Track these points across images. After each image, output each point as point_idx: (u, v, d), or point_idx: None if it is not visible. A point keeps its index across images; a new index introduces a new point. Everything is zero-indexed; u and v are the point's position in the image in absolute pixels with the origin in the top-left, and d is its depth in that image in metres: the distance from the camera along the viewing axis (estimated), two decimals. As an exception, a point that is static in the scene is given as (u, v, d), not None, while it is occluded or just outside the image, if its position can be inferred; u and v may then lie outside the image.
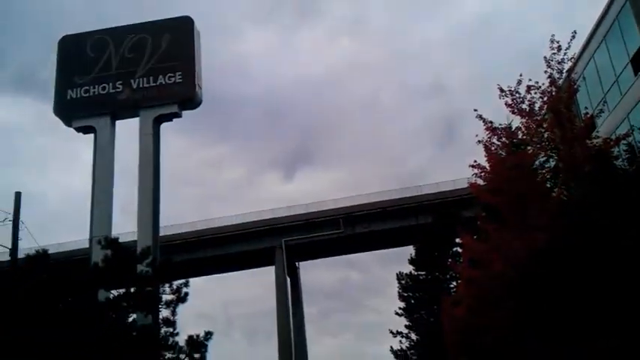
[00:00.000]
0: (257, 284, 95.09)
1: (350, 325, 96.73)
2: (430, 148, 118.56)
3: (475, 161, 21.40)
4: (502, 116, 21.21)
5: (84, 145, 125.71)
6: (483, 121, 21.13)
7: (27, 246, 23.90)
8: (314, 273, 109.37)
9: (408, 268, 36.23)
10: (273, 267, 49.73)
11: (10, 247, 23.02)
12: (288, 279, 50.44)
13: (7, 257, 23.66)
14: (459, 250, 33.09)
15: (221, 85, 33.22)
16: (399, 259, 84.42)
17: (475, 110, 21.32)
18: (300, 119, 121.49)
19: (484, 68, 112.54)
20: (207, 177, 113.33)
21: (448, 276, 33.79)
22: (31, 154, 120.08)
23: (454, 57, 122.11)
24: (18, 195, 23.93)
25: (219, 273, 54.57)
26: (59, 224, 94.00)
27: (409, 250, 38.67)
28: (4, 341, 17.85)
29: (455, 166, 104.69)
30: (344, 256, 60.47)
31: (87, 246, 41.15)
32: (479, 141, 21.10)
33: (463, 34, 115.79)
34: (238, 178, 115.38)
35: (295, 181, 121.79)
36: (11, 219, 23.34)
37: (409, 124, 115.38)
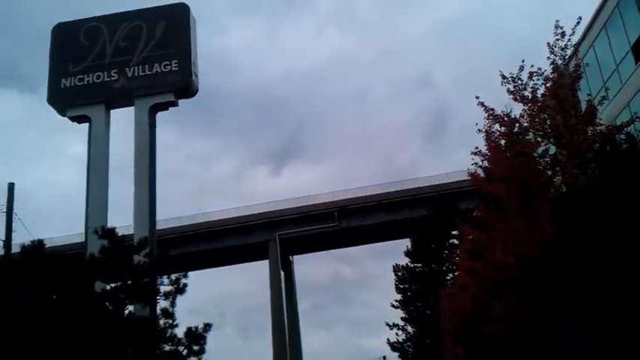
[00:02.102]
0: (250, 279, 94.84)
1: (342, 318, 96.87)
2: (419, 142, 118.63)
3: (476, 147, 21.22)
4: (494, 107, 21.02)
5: (70, 138, 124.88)
6: (485, 109, 20.92)
7: (20, 238, 23.50)
8: (306, 267, 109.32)
9: (403, 261, 36.18)
10: (267, 261, 49.44)
11: (3, 238, 22.76)
12: (282, 273, 50.17)
13: (0, 250, 23.28)
14: (456, 241, 33.12)
15: (208, 77, 33.36)
16: (391, 252, 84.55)
17: (477, 97, 21.13)
18: (288, 113, 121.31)
19: (472, 61, 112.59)
20: (196, 170, 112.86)
21: (445, 268, 33.74)
22: (17, 149, 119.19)
23: (442, 50, 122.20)
24: (11, 186, 23.69)
25: (213, 267, 54.19)
26: (47, 220, 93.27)
27: (403, 244, 38.70)
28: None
29: (444, 159, 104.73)
30: (335, 250, 60.13)
31: (78, 241, 40.88)
32: (479, 129, 20.91)
33: (451, 27, 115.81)
34: (227, 172, 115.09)
35: (284, 175, 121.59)
36: (4, 211, 23.06)
37: (398, 118, 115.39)
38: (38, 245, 20.15)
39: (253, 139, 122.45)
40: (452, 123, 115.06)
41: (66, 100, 31.09)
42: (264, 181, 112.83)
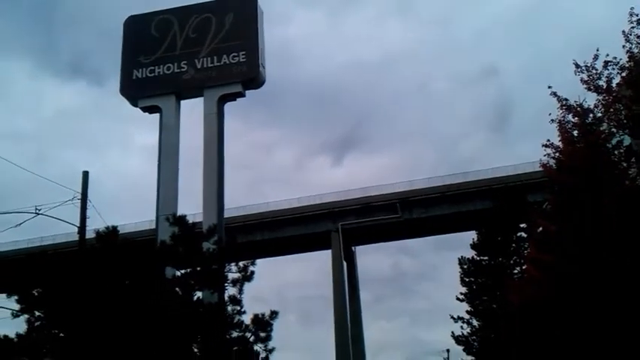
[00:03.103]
0: (312, 268, 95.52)
1: (404, 310, 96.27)
2: (482, 133, 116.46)
3: (548, 140, 20.72)
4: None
5: (138, 128, 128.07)
6: (557, 99, 20.37)
7: (94, 225, 24.22)
8: (367, 258, 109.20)
9: (467, 254, 35.68)
10: (330, 251, 49.64)
11: (78, 225, 23.45)
12: (345, 263, 50.26)
13: (76, 236, 23.99)
14: (524, 234, 32.47)
15: (271, 67, 33.58)
16: (454, 244, 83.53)
17: (549, 87, 20.52)
18: (349, 104, 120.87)
19: (538, 52, 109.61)
20: (258, 160, 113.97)
21: (512, 261, 33.15)
22: (87, 138, 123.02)
23: (506, 41, 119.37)
24: (85, 174, 24.26)
25: (276, 256, 54.76)
26: (116, 207, 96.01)
27: (466, 236, 38.15)
28: (74, 318, 18.23)
29: (508, 151, 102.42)
30: (397, 242, 59.79)
31: (147, 228, 42.05)
32: (552, 120, 20.41)
33: (517, 16, 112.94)
34: (288, 161, 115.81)
35: (345, 166, 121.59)
36: (79, 198, 23.72)
37: (460, 110, 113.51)
38: (112, 232, 20.81)
39: (315, 129, 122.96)
40: (516, 114, 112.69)
41: (138, 91, 31.92)
42: (325, 171, 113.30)
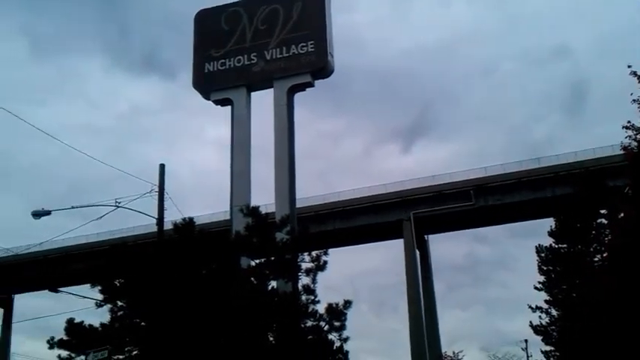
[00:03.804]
0: (384, 257, 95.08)
1: (478, 299, 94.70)
2: (556, 116, 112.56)
3: (629, 122, 19.82)
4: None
5: (210, 121, 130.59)
6: (638, 78, 19.44)
7: (170, 217, 24.76)
8: (440, 246, 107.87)
9: (545, 241, 34.69)
10: (402, 240, 49.25)
11: (156, 217, 24.05)
12: (418, 252, 49.78)
13: (154, 228, 24.58)
14: (604, 221, 31.27)
15: (337, 55, 33.41)
16: (531, 232, 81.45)
17: (629, 67, 19.59)
18: (416, 89, 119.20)
19: (609, 30, 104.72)
20: (325, 149, 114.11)
21: (592, 248, 32.00)
22: (161, 131, 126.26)
23: (576, 19, 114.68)
24: (162, 167, 24.85)
25: (347, 245, 54.57)
26: (191, 198, 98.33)
27: (543, 223, 37.04)
28: (154, 307, 18.73)
29: (585, 133, 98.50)
30: (471, 230, 58.56)
31: (221, 219, 42.81)
32: (634, 100, 19.48)
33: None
34: (356, 150, 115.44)
35: (414, 153, 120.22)
36: (156, 190, 24.31)
37: (532, 91, 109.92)
38: (189, 223, 21.28)
39: (382, 116, 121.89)
40: (591, 95, 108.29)
41: (210, 84, 32.48)
42: (394, 159, 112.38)
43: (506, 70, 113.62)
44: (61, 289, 25.62)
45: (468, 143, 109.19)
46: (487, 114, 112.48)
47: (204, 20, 33.87)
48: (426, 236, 52.68)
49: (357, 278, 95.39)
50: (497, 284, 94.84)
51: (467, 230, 57.47)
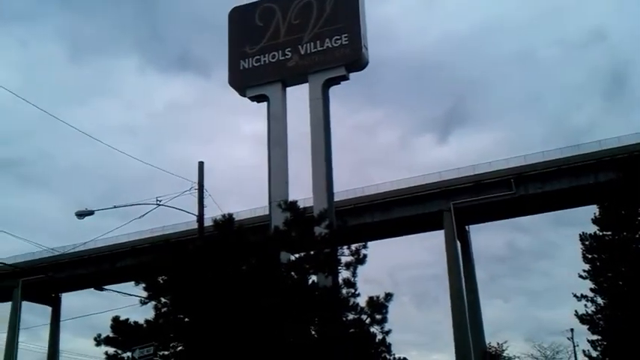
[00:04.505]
0: (424, 249, 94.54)
1: (520, 289, 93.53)
2: (596, 102, 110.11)
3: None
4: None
5: (244, 117, 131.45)
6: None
7: (210, 213, 25.00)
8: (480, 236, 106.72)
9: (588, 229, 34.05)
10: (441, 231, 48.87)
11: (196, 214, 24.30)
12: (459, 243, 49.34)
13: (195, 225, 24.84)
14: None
15: (370, 48, 33.09)
16: (572, 220, 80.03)
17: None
18: (451, 78, 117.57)
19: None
20: (361, 142, 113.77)
21: (638, 235, 31.32)
22: (197, 129, 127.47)
23: (614, 5, 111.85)
24: (201, 165, 25.04)
25: (386, 237, 54.41)
26: (229, 194, 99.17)
27: (586, 210, 36.34)
28: (197, 303, 18.96)
29: (626, 119, 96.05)
30: (511, 219, 57.74)
31: (260, 214, 43.11)
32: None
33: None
34: (392, 142, 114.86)
35: (451, 143, 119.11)
36: (196, 188, 24.56)
37: (570, 78, 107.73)
38: (228, 220, 21.47)
39: (417, 107, 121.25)
40: (632, 80, 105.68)
41: (245, 81, 32.68)
42: (431, 150, 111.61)
43: (543, 57, 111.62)
44: (106, 287, 26.11)
45: (505, 132, 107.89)
46: (524, 102, 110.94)
47: (239, 17, 34.05)
48: (467, 227, 52.19)
49: (397, 270, 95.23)
50: (540, 274, 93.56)
51: (508, 219, 56.80)
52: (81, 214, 24.47)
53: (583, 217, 35.58)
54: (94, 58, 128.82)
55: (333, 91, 32.12)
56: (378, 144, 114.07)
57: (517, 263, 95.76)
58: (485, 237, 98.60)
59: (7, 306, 60.71)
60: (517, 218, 57.07)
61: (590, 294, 33.12)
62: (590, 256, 33.31)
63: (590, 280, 33.13)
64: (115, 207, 25.06)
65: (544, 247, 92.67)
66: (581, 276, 33.56)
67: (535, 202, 48.12)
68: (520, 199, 47.23)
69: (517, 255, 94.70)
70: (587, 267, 33.53)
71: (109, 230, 27.60)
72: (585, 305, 33.29)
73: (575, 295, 33.47)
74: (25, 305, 61.11)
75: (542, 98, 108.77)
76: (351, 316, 21.38)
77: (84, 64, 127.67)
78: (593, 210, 34.66)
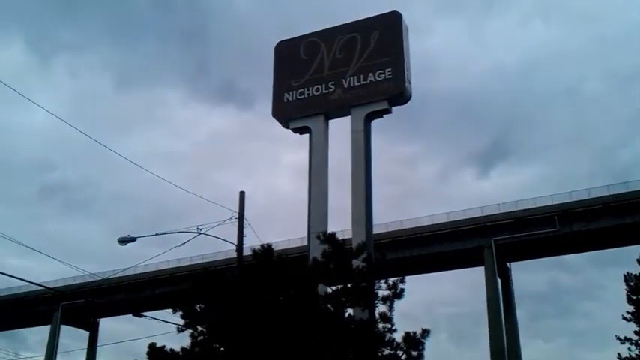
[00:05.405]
0: (462, 285, 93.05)
1: (562, 329, 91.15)
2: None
3: None
4: None
5: (285, 148, 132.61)
6: None
7: (250, 243, 25.19)
8: (520, 273, 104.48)
9: (634, 269, 33.23)
10: (481, 267, 48.16)
11: (236, 243, 24.53)
12: (499, 279, 48.49)
13: (233, 254, 25.05)
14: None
15: (412, 81, 33.01)
16: (618, 259, 77.89)
17: None
18: (494, 112, 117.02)
19: None
20: (401, 175, 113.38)
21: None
22: (238, 159, 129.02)
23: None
24: (242, 194, 25.38)
25: (424, 272, 53.92)
26: (268, 224, 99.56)
27: (632, 250, 35.50)
28: (234, 332, 19.02)
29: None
30: (553, 257, 56.60)
31: (298, 245, 43.21)
32: None
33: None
34: (432, 175, 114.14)
35: (492, 177, 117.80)
36: (236, 217, 24.83)
37: (618, 112, 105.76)
38: (267, 249, 21.57)
39: (459, 141, 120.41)
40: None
41: (289, 113, 33.08)
42: (471, 184, 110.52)
43: (590, 91, 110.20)
44: (143, 313, 26.40)
45: (549, 167, 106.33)
46: (570, 136, 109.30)
47: (284, 51, 34.61)
48: (508, 263, 51.33)
49: (435, 306, 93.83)
50: (582, 314, 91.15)
51: (550, 257, 55.73)
52: (123, 241, 24.93)
53: (628, 257, 34.74)
54: (141, 90, 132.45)
55: (376, 123, 32.31)
56: (418, 177, 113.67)
57: (559, 303, 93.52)
58: (526, 275, 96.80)
59: (46, 329, 61.76)
60: (560, 256, 56.01)
61: (635, 337, 32.24)
62: (635, 297, 32.50)
63: (635, 322, 32.26)
64: (156, 234, 25.51)
65: (587, 287, 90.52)
66: (625, 318, 32.70)
67: (579, 240, 47.22)
68: (564, 237, 46.42)
69: (559, 294, 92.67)
70: (631, 308, 32.67)
71: (148, 257, 27.99)
72: (629, 348, 32.41)
73: (618, 338, 32.60)
74: (64, 329, 62.01)
75: (588, 133, 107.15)
76: (386, 352, 21.12)
77: (130, 95, 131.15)
78: (638, 249, 33.95)
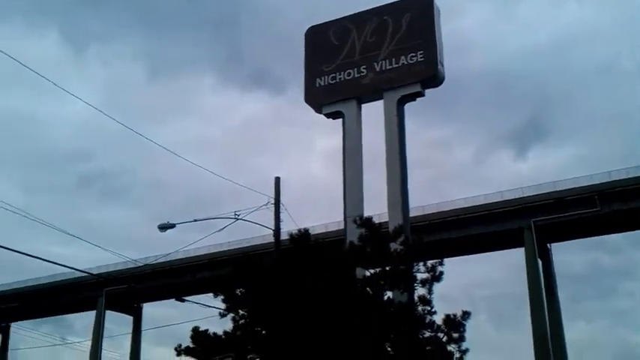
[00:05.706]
0: (500, 267, 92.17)
1: (604, 310, 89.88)
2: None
3: None
4: None
5: (318, 133, 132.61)
6: None
7: (286, 228, 25.41)
8: (560, 255, 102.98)
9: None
10: (521, 249, 47.70)
11: (273, 228, 24.79)
12: (540, 261, 47.97)
13: (270, 239, 25.29)
14: None
15: (446, 63, 32.90)
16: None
17: None
18: (529, 92, 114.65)
19: None
20: (436, 157, 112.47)
21: None
22: (272, 144, 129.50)
23: None
24: (277, 180, 25.58)
25: (462, 255, 53.59)
26: (303, 209, 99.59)
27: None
28: (274, 316, 19.29)
29: None
30: (593, 237, 55.77)
31: (335, 229, 43.36)
32: None
33: None
34: (467, 157, 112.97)
35: (529, 159, 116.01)
36: (272, 202, 25.08)
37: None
38: (304, 234, 21.75)
39: (494, 122, 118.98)
40: None
41: (321, 98, 33.19)
42: (508, 165, 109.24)
43: (625, 68, 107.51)
44: (186, 298, 26.88)
45: (586, 147, 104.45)
46: (607, 115, 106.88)
47: (315, 36, 34.64)
48: (548, 245, 50.73)
49: (474, 288, 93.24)
50: (624, 294, 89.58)
51: (590, 238, 54.92)
52: (163, 227, 25.37)
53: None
54: (174, 78, 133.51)
55: (410, 105, 32.18)
56: (454, 159, 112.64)
57: (600, 284, 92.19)
58: (566, 256, 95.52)
59: (91, 315, 63.35)
60: (601, 237, 55.17)
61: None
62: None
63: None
64: (195, 220, 25.87)
65: (628, 267, 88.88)
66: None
67: (620, 219, 46.40)
68: (604, 217, 45.66)
69: (600, 275, 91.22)
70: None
71: (188, 243, 28.41)
72: (675, 329, 31.81)
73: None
74: (109, 315, 63.56)
75: (625, 111, 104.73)
76: (427, 334, 21.17)
77: (164, 83, 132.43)
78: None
